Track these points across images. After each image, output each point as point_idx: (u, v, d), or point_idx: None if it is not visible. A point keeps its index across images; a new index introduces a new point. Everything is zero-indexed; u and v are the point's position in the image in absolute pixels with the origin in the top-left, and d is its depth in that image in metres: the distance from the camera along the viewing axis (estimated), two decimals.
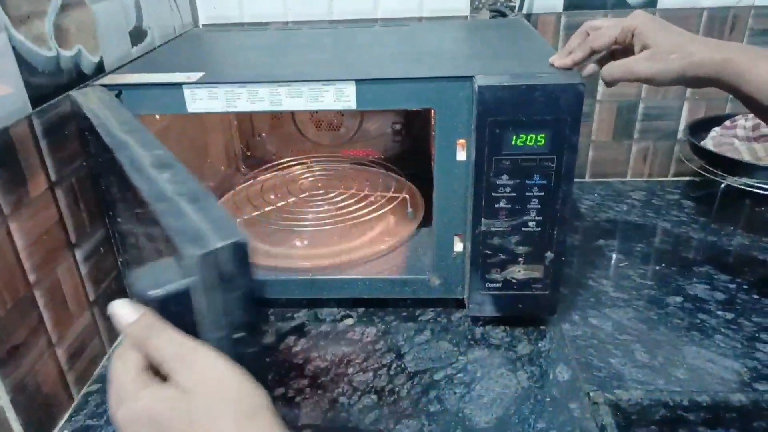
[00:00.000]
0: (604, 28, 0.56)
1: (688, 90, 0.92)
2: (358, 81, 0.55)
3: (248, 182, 0.85)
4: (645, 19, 0.53)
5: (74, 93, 0.55)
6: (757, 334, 0.63)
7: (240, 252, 0.29)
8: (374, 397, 0.56)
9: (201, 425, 0.28)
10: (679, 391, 0.56)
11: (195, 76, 0.57)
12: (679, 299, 0.69)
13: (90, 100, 0.53)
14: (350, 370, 0.59)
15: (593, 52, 0.56)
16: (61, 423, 0.55)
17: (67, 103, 0.55)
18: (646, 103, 0.93)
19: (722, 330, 0.64)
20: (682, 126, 0.94)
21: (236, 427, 0.28)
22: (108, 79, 0.58)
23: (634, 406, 0.56)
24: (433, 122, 0.57)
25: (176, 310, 0.30)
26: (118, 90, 0.56)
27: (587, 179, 0.99)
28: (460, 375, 0.59)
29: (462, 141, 0.57)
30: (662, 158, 0.97)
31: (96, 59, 0.61)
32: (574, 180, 0.98)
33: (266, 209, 0.75)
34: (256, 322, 0.31)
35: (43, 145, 0.52)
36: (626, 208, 0.91)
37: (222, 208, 0.33)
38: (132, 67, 0.64)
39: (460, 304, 0.67)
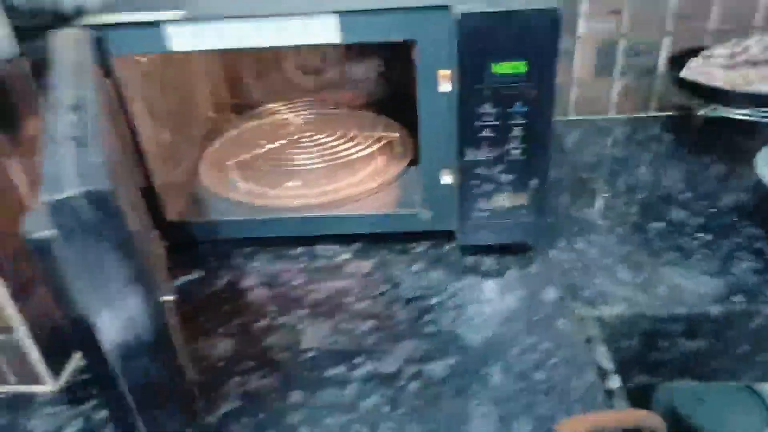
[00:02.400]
0: None
1: (668, 23, 0.93)
2: (341, 13, 0.55)
3: (236, 129, 0.85)
4: None
5: (54, 33, 0.54)
6: (733, 253, 0.66)
7: (101, 201, 0.27)
8: (372, 322, 0.59)
9: None
10: (659, 305, 0.59)
11: (178, 14, 0.57)
12: (660, 225, 0.72)
13: (64, 40, 0.52)
14: (348, 299, 0.62)
15: None
16: (79, 353, 0.57)
17: (48, 43, 0.55)
18: (627, 39, 0.94)
19: (701, 251, 0.67)
20: (662, 61, 0.95)
21: None
22: (90, 19, 0.57)
23: (617, 320, 0.59)
24: (415, 58, 0.58)
25: (52, 259, 0.28)
26: (101, 30, 0.56)
27: (571, 117, 1.01)
28: (452, 300, 0.61)
29: (444, 72, 0.58)
30: (643, 94, 0.99)
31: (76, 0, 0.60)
32: (558, 119, 1.01)
33: (257, 152, 0.76)
34: (138, 274, 0.29)
35: (34, 86, 0.52)
36: (609, 143, 0.93)
37: (102, 154, 0.31)
38: (112, 8, 0.64)
39: (450, 236, 0.69)
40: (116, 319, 0.31)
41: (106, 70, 0.57)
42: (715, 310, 0.59)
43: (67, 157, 0.31)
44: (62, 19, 0.57)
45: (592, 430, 0.38)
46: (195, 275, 0.66)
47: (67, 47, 0.50)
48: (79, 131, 0.35)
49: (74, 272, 0.29)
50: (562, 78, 0.97)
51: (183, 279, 0.66)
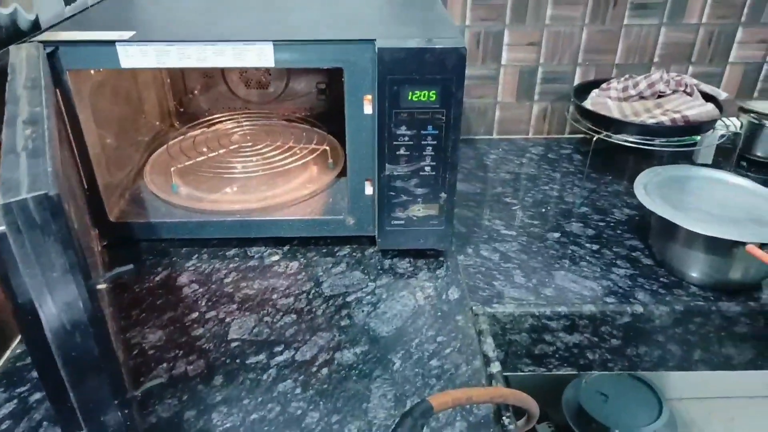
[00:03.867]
0: None
1: (580, 56, 1.04)
2: (275, 42, 0.63)
3: (181, 136, 0.91)
4: None
5: (11, 48, 0.60)
6: (614, 261, 0.77)
7: (48, 203, 0.34)
8: (294, 316, 0.66)
9: None
10: (544, 305, 0.69)
11: (127, 34, 0.63)
12: (557, 235, 0.82)
13: (19, 55, 0.58)
14: (274, 296, 0.69)
15: None
16: (14, 344, 0.62)
17: (6, 57, 0.60)
18: (544, 68, 1.05)
19: (587, 258, 0.77)
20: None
21: None
22: (45, 36, 0.63)
23: (507, 317, 0.68)
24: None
25: (2, 252, 0.34)
26: (55, 46, 0.62)
27: (494, 136, 1.11)
28: (368, 297, 0.69)
29: (368, 96, 0.66)
30: (558, 118, 1.10)
31: (32, 17, 0.65)
32: (483, 137, 1.11)
33: (198, 159, 0.82)
34: (75, 265, 0.36)
35: None
36: (525, 161, 1.03)
37: (51, 164, 0.38)
38: (66, 25, 0.69)
39: (372, 241, 0.77)
40: (56, 303, 0.37)
41: (57, 82, 0.63)
42: (589, 308, 0.69)
43: (21, 166, 0.38)
44: (17, 35, 0.63)
45: (460, 400, 0.46)
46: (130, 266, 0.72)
47: (21, 62, 0.56)
48: (32, 143, 0.41)
49: (22, 263, 0.35)
50: (488, 101, 1.07)
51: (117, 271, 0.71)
